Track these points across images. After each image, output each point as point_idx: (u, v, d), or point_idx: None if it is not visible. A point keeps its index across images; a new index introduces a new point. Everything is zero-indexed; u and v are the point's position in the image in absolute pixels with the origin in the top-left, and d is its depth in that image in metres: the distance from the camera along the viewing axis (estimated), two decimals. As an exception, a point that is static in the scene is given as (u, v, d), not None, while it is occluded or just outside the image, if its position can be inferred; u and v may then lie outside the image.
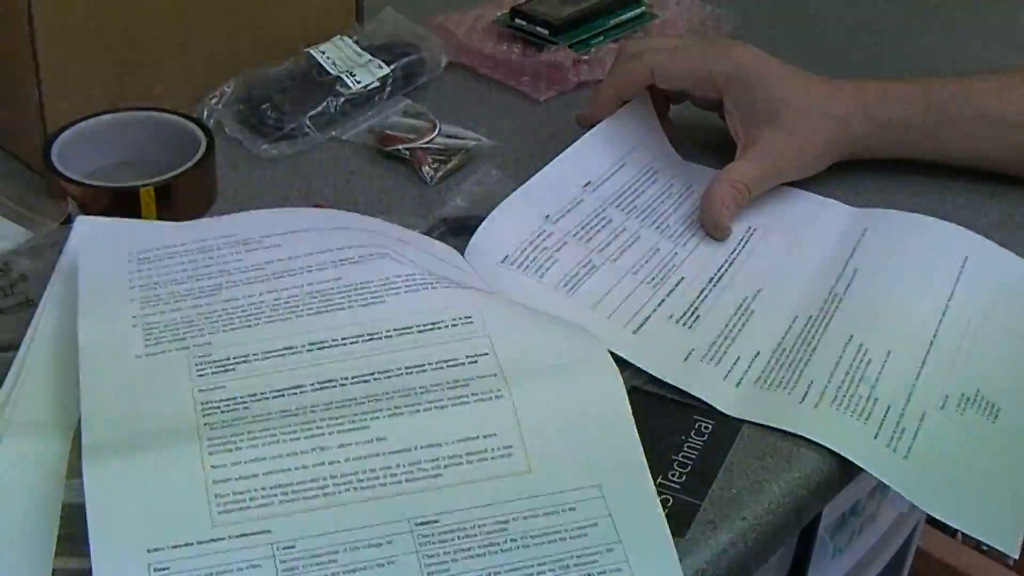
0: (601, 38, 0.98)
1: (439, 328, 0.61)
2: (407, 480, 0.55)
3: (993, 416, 0.68)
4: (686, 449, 0.64)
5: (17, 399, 0.59)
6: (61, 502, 0.54)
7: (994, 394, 0.69)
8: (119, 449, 0.54)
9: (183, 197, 0.78)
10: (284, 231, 0.68)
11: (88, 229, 0.70)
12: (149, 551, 0.52)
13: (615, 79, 0.84)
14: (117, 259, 0.66)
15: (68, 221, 0.74)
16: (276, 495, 0.54)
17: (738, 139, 0.82)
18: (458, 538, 0.54)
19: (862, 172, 0.87)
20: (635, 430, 0.58)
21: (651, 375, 0.68)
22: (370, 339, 0.60)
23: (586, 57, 0.96)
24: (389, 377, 0.58)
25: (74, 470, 0.55)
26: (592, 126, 0.84)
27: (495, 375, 0.58)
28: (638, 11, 1.01)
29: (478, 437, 0.56)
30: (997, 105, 0.83)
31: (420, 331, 0.60)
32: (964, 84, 0.85)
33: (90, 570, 0.51)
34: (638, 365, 0.67)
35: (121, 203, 0.75)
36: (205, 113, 0.87)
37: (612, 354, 0.66)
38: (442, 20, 1.00)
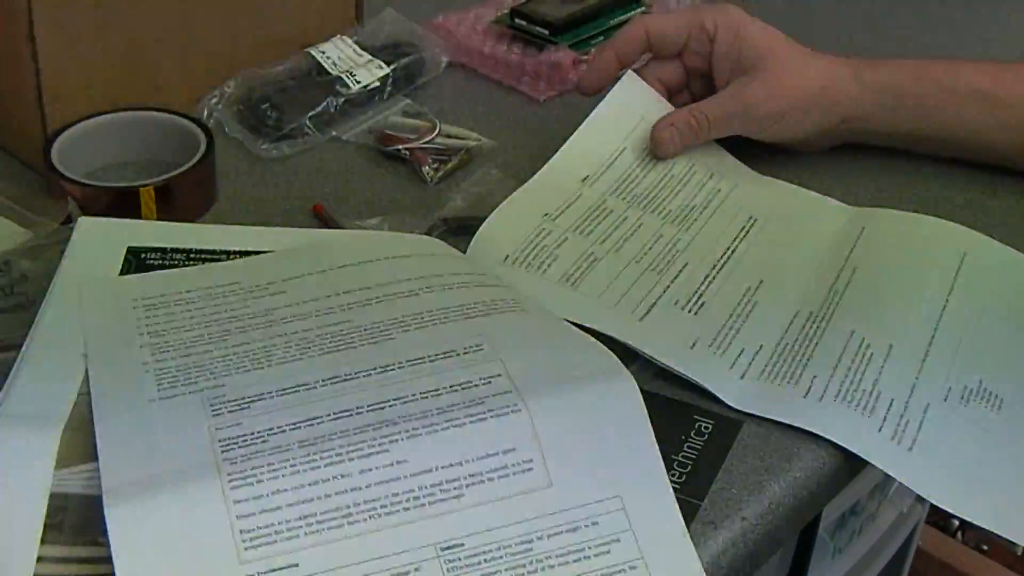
0: (601, 38, 0.98)
1: (451, 356, 0.61)
2: (430, 503, 0.55)
3: (996, 407, 0.68)
4: (686, 449, 0.64)
5: (10, 391, 0.59)
6: (49, 491, 0.54)
7: (997, 385, 0.69)
8: (140, 491, 0.54)
9: (183, 197, 0.78)
10: (286, 277, 0.69)
11: (88, 229, 0.70)
12: None
13: (612, 41, 0.86)
14: (120, 302, 0.67)
15: (68, 221, 0.74)
16: (302, 526, 0.53)
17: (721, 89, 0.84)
18: (484, 561, 0.54)
19: (862, 172, 0.87)
20: (654, 439, 0.58)
21: (652, 373, 0.68)
22: (383, 371, 0.60)
23: (586, 57, 0.96)
24: (405, 403, 0.58)
25: (63, 460, 0.55)
26: (591, 95, 0.85)
27: (510, 392, 0.58)
28: (638, 11, 1.01)
29: (498, 453, 0.56)
30: (989, 82, 0.84)
31: (432, 360, 0.61)
32: (956, 63, 0.85)
33: (74, 557, 0.51)
34: (645, 351, 0.67)
35: (121, 203, 0.75)
36: (205, 113, 0.87)
37: (619, 343, 0.67)
38: (442, 20, 1.00)
